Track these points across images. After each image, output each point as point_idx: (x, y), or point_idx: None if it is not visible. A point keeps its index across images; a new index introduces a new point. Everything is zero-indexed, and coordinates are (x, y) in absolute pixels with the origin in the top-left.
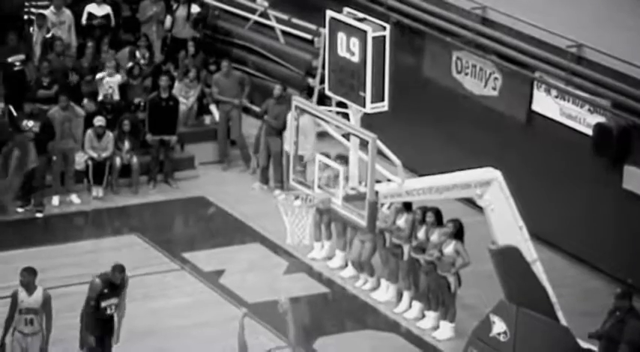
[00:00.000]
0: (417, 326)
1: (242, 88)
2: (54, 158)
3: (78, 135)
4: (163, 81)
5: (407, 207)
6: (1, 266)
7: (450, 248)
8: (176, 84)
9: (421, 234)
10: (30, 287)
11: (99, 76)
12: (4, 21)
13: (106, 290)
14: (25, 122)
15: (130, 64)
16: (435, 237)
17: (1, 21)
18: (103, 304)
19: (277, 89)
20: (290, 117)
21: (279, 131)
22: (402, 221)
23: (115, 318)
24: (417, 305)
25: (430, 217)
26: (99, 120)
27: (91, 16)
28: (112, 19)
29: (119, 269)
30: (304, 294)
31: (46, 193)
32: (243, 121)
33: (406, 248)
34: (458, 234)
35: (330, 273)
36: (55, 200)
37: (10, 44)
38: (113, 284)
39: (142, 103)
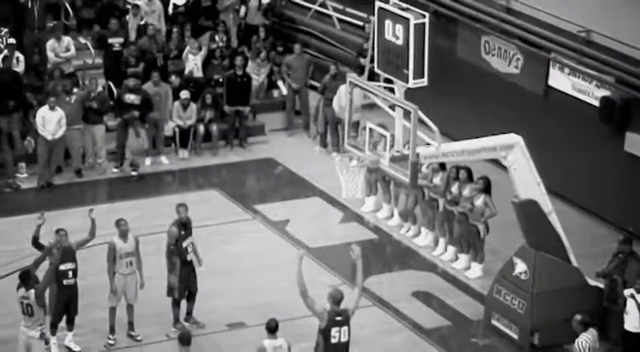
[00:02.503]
0: (451, 267)
1: (308, 69)
2: (146, 126)
3: (167, 107)
4: (238, 61)
5: (442, 166)
6: (103, 217)
7: (479, 201)
8: (249, 63)
9: (454, 189)
10: (125, 235)
11: (185, 52)
12: (108, 9)
13: (182, 232)
14: (127, 95)
15: (213, 46)
16: (466, 191)
17: (106, 9)
18: (184, 244)
19: (332, 68)
20: (344, 90)
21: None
22: (438, 178)
23: (195, 259)
24: (451, 249)
25: (463, 175)
26: (184, 94)
27: (175, 6)
28: (189, 3)
29: (180, 204)
30: (357, 240)
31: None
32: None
33: (441, 201)
34: (486, 189)
35: (378, 222)
36: (148, 161)
37: (112, 29)
38: (185, 224)
39: (221, 80)
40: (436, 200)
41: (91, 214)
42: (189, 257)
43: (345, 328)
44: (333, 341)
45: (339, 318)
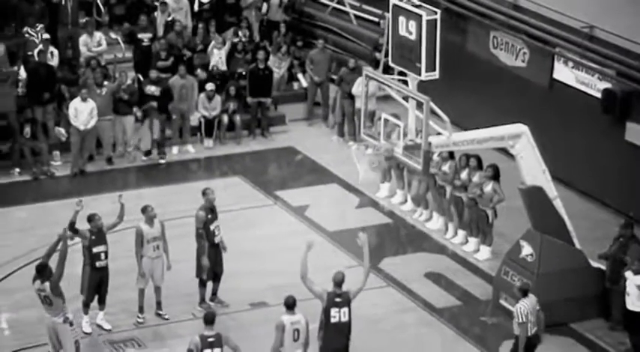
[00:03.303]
0: (461, 249)
1: (330, 63)
2: (174, 116)
3: (193, 98)
4: (260, 55)
5: (451, 155)
6: (132, 202)
7: (488, 187)
8: (270, 57)
9: (464, 175)
10: (152, 221)
11: (210, 47)
12: (137, 6)
13: (209, 216)
14: (148, 87)
15: (237, 41)
16: (476, 178)
17: (135, 6)
18: (211, 228)
19: (351, 62)
20: (361, 83)
21: (351, 94)
22: (446, 166)
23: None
24: (461, 233)
25: (473, 162)
26: (209, 86)
27: (200, 3)
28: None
29: (207, 189)
30: (372, 224)
31: (167, 144)
32: None
33: (448, 188)
34: (495, 176)
35: (393, 207)
36: (175, 149)
37: (141, 25)
38: (212, 208)
39: (244, 73)
40: (443, 187)
41: (120, 199)
42: (217, 239)
43: (345, 309)
44: (333, 320)
45: (338, 300)
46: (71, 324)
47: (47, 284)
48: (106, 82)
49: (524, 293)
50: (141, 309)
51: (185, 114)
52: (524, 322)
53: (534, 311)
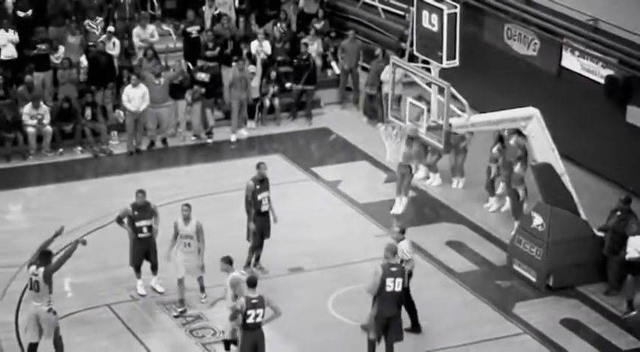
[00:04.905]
0: (484, 222)
1: (359, 52)
2: (233, 102)
3: (250, 87)
4: (302, 47)
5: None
6: (182, 178)
7: (517, 166)
8: (302, 40)
9: (495, 150)
10: (188, 219)
11: (253, 44)
12: (187, 1)
13: (258, 187)
14: (198, 74)
15: (276, 32)
16: (512, 141)
17: (185, 1)
18: (259, 197)
19: (378, 51)
20: (388, 70)
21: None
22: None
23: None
24: (493, 200)
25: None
26: (252, 68)
27: None
28: None
29: (260, 163)
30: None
31: (216, 125)
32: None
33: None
34: (522, 156)
35: (416, 182)
36: (228, 130)
37: (189, 19)
38: (262, 180)
39: (282, 60)
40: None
41: (154, 235)
42: (263, 208)
43: (399, 280)
44: (388, 289)
45: (393, 269)
46: (54, 313)
47: (42, 270)
48: (163, 73)
49: (403, 233)
50: (181, 302)
51: (243, 102)
52: (410, 259)
53: (412, 249)
